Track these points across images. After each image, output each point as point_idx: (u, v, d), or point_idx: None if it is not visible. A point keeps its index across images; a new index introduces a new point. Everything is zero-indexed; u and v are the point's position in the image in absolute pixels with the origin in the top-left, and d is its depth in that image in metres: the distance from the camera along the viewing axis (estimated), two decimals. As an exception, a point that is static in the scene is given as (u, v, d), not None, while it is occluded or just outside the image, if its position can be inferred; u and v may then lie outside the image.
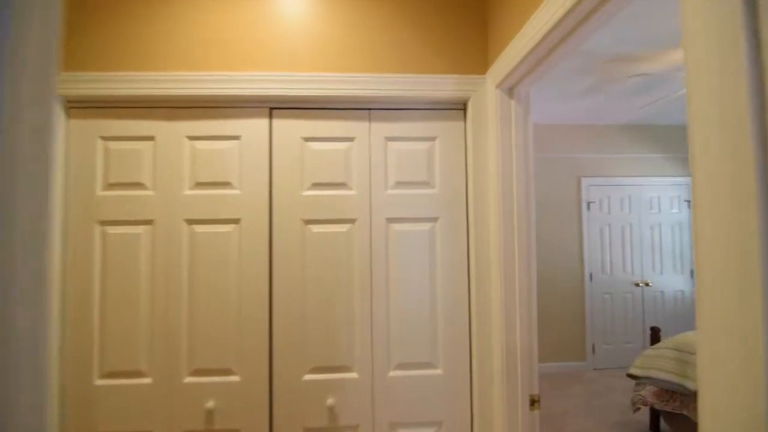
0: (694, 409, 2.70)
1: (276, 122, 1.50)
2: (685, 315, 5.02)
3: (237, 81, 1.43)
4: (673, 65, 3.05)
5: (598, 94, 3.69)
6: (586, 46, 2.82)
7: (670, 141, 5.08)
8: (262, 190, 1.47)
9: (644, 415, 3.41)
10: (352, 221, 1.50)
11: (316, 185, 1.50)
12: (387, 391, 1.48)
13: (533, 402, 1.43)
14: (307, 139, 1.51)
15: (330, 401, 1.44)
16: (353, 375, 1.47)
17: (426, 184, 1.53)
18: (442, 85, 1.48)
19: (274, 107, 1.50)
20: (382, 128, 1.53)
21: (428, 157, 1.54)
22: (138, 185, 1.46)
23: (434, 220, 1.53)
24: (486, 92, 1.49)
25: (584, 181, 4.84)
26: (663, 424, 3.26)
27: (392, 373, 1.49)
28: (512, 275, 1.43)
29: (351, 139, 1.52)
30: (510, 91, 1.44)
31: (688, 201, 5.10)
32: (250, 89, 1.43)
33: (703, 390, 0.60)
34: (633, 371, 3.14)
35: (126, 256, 1.44)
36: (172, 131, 1.47)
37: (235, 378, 1.43)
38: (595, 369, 4.73)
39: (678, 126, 5.07)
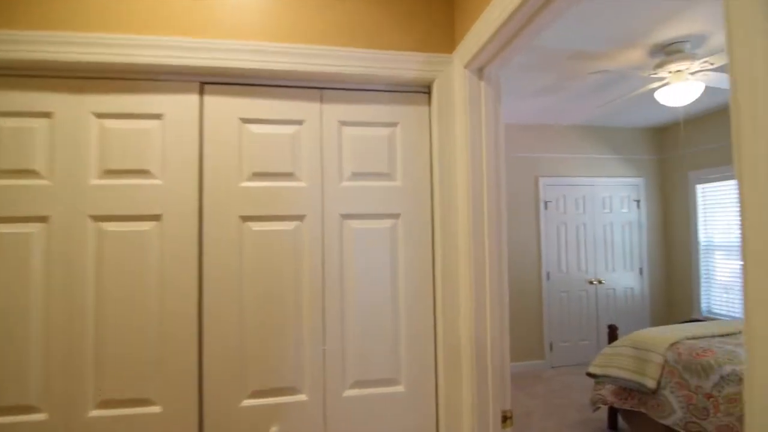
0: (652, 406, 2.71)
1: (208, 99, 1.25)
2: (635, 311, 5.18)
3: (160, 47, 1.17)
4: (631, 64, 3.07)
5: (557, 92, 3.68)
6: (547, 42, 2.76)
7: (620, 142, 5.23)
8: (190, 180, 1.22)
9: (603, 412, 3.43)
10: (300, 218, 1.29)
11: (258, 175, 1.27)
12: (342, 414, 1.28)
13: (505, 419, 1.29)
14: (247, 121, 1.28)
15: (274, 430, 1.22)
16: (302, 397, 1.26)
17: (386, 175, 1.35)
18: (405, 64, 1.31)
19: (207, 81, 1.26)
20: (336, 111, 1.33)
21: (389, 145, 1.36)
22: (29, 173, 1.16)
23: (396, 216, 1.35)
24: (453, 72, 1.33)
25: (542, 181, 4.87)
26: (621, 421, 3.28)
27: (348, 393, 1.29)
28: (482, 277, 1.27)
29: (299, 122, 1.31)
30: (479, 72, 1.29)
31: (637, 201, 5.27)
32: (176, 58, 1.18)
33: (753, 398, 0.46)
34: (592, 370, 3.12)
35: (12, 261, 1.14)
36: (75, 107, 1.19)
37: (155, 409, 1.18)
38: (552, 367, 4.77)
39: (628, 128, 5.24)
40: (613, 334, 3.33)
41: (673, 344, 2.73)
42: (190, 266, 1.21)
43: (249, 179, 1.26)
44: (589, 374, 3.13)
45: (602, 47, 2.82)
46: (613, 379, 2.96)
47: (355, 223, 1.32)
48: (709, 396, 2.39)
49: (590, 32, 2.64)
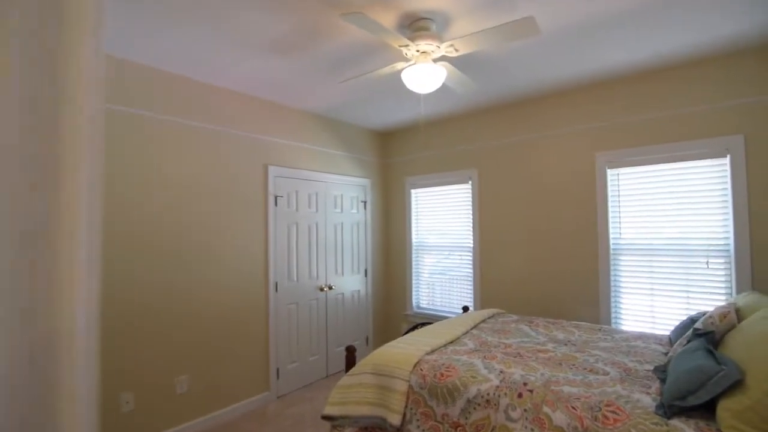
0: (396, 447, 2.20)
1: None
2: (360, 313, 5.05)
3: None
4: (390, 26, 2.56)
5: (294, 52, 2.88)
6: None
7: (352, 140, 5.02)
8: None
9: (336, 454, 2.79)
10: None
11: None
12: None
13: None
14: None
15: None
16: None
17: None
18: None
19: None
20: None
21: None
22: None
23: None
24: None
25: (272, 170, 4.00)
26: (356, 463, 2.72)
27: None
28: None
29: None
30: None
31: (364, 201, 5.19)
32: None
33: None
34: (328, 411, 2.42)
35: None
36: None
37: None
38: (278, 397, 3.94)
39: (360, 127, 5.08)
40: (351, 357, 2.75)
41: (416, 365, 2.32)
42: None
43: None
44: (325, 417, 2.42)
45: (353, -7, 2.17)
46: (354, 420, 2.33)
47: None
48: (456, 425, 2.03)
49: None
